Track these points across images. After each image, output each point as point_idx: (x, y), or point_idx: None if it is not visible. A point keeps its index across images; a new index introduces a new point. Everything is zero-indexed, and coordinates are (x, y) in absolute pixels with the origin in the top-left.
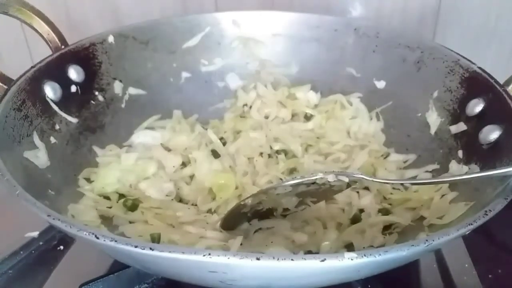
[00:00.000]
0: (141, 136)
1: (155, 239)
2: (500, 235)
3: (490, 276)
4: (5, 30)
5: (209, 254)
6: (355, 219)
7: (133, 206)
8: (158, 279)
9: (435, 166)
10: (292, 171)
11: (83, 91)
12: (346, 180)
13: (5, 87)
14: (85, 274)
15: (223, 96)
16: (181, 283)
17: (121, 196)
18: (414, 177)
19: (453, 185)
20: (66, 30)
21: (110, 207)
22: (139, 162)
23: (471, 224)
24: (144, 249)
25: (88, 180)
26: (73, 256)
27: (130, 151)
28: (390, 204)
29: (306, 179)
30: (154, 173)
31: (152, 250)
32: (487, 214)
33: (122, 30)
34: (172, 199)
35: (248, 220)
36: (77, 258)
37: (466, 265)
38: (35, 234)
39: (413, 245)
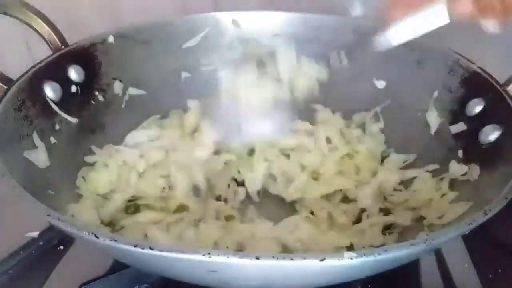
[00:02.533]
0: (135, 136)
1: None
2: (500, 235)
3: (490, 276)
4: (5, 30)
5: (209, 254)
6: (355, 219)
7: (135, 210)
8: (158, 279)
9: (435, 166)
10: None
11: (83, 91)
12: None
13: (5, 87)
14: (85, 274)
15: None
16: (181, 283)
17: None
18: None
19: (453, 185)
20: (66, 30)
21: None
22: (129, 161)
23: (471, 223)
24: (143, 248)
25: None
26: (73, 256)
27: (123, 151)
28: (391, 204)
29: None
30: (145, 169)
31: (152, 249)
32: (486, 214)
33: (122, 30)
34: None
35: None
36: (77, 258)
37: (466, 265)
38: (35, 234)
39: (413, 245)
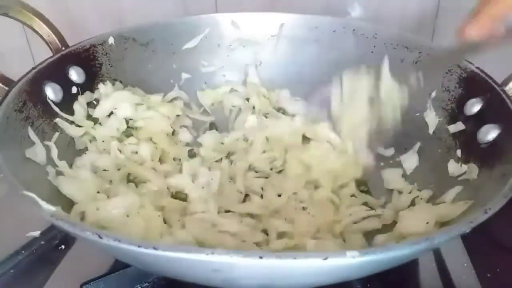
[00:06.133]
0: None
1: None
2: (499, 234)
3: (488, 275)
4: (7, 31)
5: (212, 253)
6: None
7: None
8: (158, 279)
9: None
10: None
11: (84, 92)
12: None
13: (6, 88)
14: (87, 274)
15: None
16: (181, 282)
17: None
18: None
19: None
20: (66, 31)
21: None
22: None
23: (471, 222)
24: (147, 248)
25: None
26: (75, 255)
27: None
28: None
29: None
30: None
31: (156, 249)
32: (486, 213)
33: (122, 31)
34: None
35: None
36: (78, 257)
37: (465, 265)
38: (36, 233)
39: (414, 244)
